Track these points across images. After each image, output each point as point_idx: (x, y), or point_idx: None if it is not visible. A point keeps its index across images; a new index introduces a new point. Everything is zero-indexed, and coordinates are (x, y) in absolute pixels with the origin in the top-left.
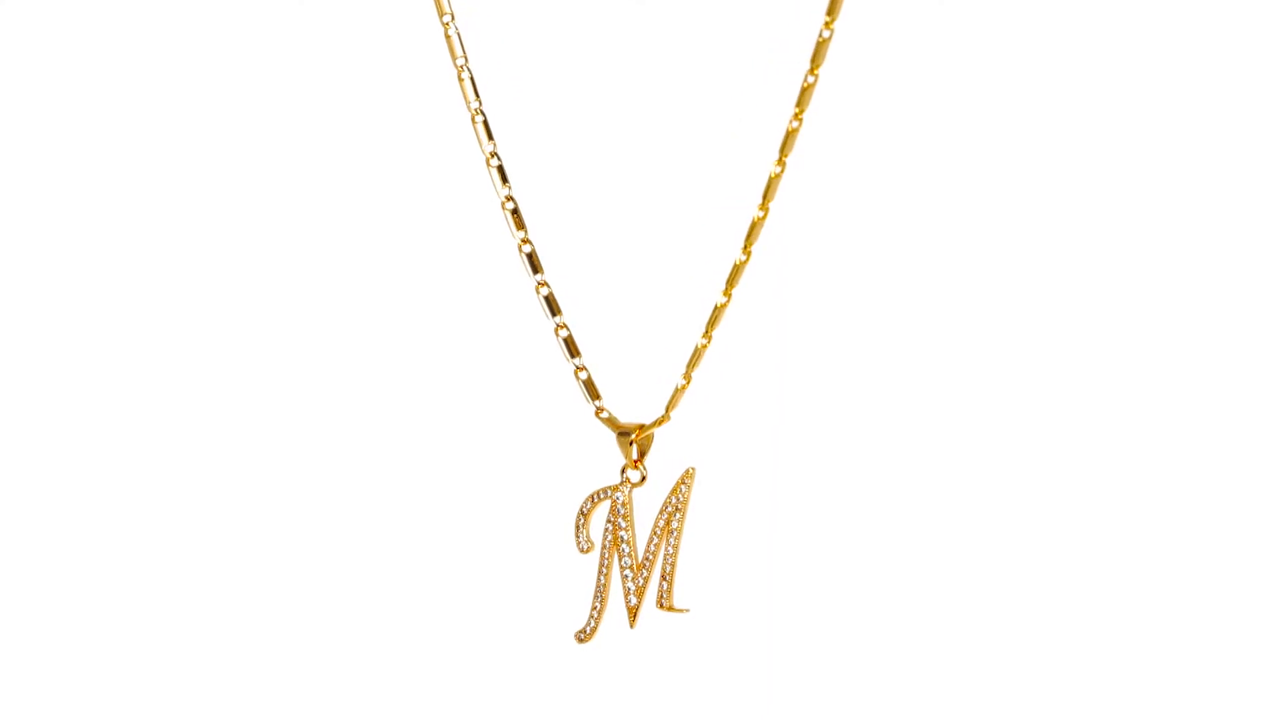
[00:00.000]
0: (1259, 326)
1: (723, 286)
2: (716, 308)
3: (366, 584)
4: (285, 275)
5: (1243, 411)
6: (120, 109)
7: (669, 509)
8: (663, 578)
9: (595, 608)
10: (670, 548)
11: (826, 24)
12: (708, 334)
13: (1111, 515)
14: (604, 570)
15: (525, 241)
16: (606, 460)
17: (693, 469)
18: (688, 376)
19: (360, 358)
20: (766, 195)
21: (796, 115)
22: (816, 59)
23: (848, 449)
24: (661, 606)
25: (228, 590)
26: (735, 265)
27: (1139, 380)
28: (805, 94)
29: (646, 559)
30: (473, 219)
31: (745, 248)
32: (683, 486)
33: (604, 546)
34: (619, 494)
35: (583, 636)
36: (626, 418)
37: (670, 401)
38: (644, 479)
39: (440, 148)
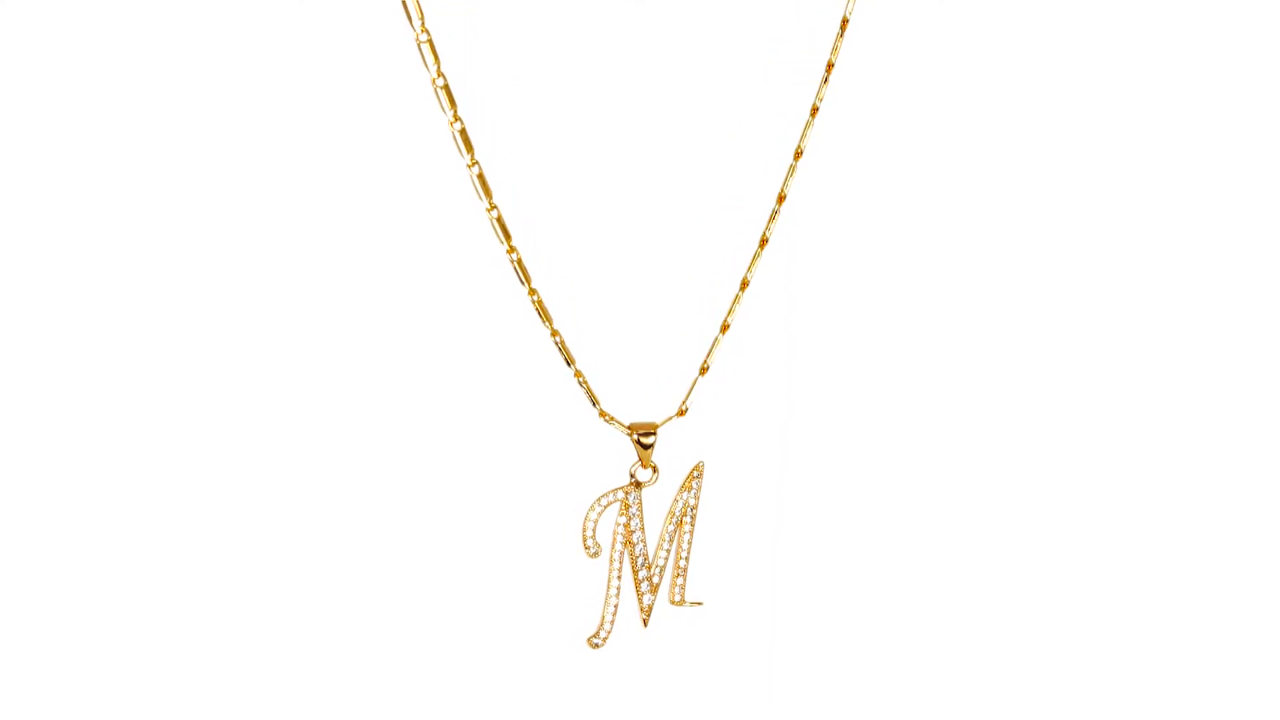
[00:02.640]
0: (1262, 328)
1: (739, 277)
2: (735, 299)
3: (373, 593)
4: (291, 287)
5: (1241, 411)
6: (107, 116)
7: (681, 504)
8: (679, 573)
9: (608, 611)
10: (684, 543)
11: (844, 20)
12: (724, 326)
13: (1117, 512)
14: (616, 572)
15: (512, 250)
16: (611, 462)
17: (701, 463)
18: (703, 369)
19: (363, 365)
20: (785, 185)
21: (814, 109)
22: (835, 53)
23: (859, 444)
24: (675, 602)
25: (235, 598)
26: (754, 254)
27: (1148, 381)
28: (823, 88)
29: (659, 556)
30: (478, 224)
31: (762, 236)
32: (694, 481)
33: (613, 549)
34: (631, 494)
35: (597, 642)
36: (629, 417)
37: (686, 396)
38: (655, 477)
39: (450, 153)
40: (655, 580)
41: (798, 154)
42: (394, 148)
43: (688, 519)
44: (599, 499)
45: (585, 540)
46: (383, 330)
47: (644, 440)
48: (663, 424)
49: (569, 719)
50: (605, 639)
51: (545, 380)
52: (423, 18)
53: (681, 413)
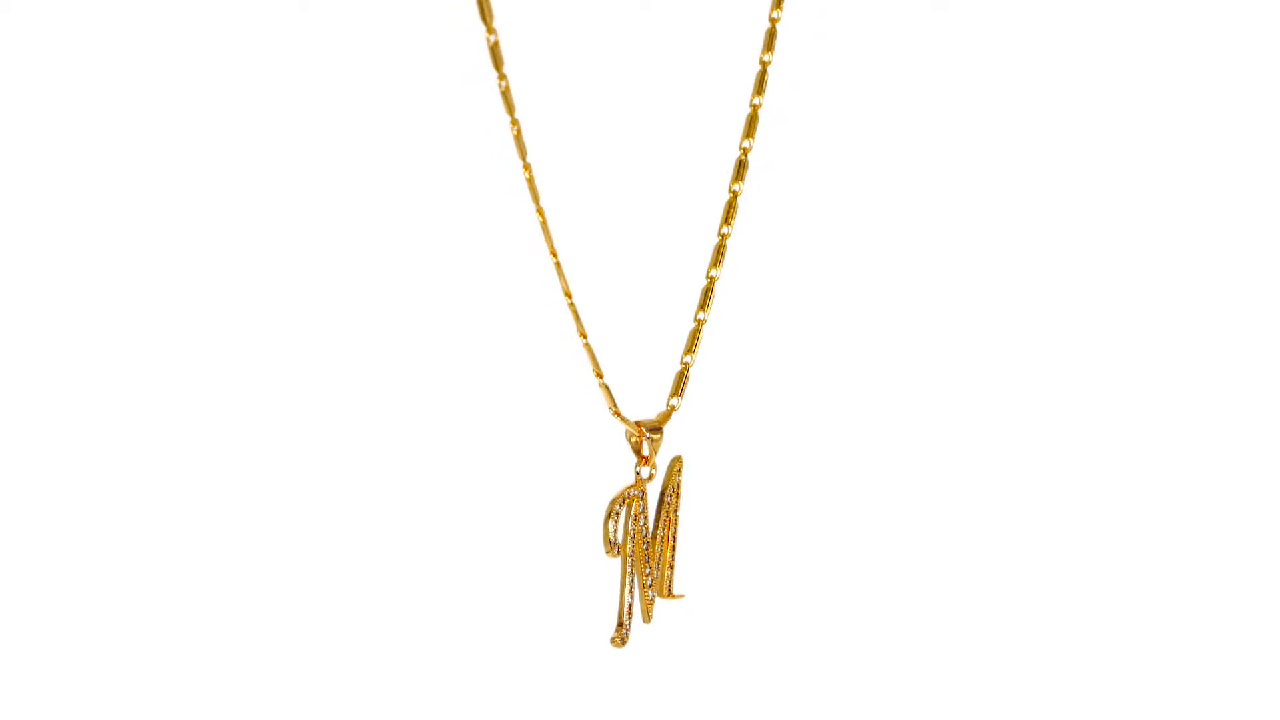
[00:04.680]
0: (1237, 321)
1: (717, 275)
2: (705, 291)
3: (382, 591)
4: (319, 286)
5: (1225, 405)
6: (149, 119)
7: (668, 500)
8: (669, 567)
9: (624, 609)
10: (672, 539)
11: (773, 20)
12: (699, 321)
13: (1094, 497)
14: (631, 570)
15: (553, 253)
16: (602, 457)
17: (680, 456)
18: (685, 365)
19: (364, 362)
20: (737, 176)
21: (755, 105)
22: (768, 46)
23: (844, 434)
24: (663, 595)
25: (264, 597)
26: (716, 247)
27: (1117, 371)
28: (760, 80)
29: (659, 552)
30: (479, 224)
31: (720, 228)
32: (676, 475)
33: (625, 548)
34: (639, 492)
35: (619, 641)
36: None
37: (675, 391)
38: (654, 474)
39: (456, 154)
40: (655, 576)
41: (745, 150)
42: (411, 143)
43: (674, 514)
44: (618, 499)
45: (609, 541)
46: (384, 324)
47: (652, 438)
48: (663, 421)
49: (579, 711)
50: (629, 636)
51: (540, 377)
52: (491, 16)
53: (673, 409)
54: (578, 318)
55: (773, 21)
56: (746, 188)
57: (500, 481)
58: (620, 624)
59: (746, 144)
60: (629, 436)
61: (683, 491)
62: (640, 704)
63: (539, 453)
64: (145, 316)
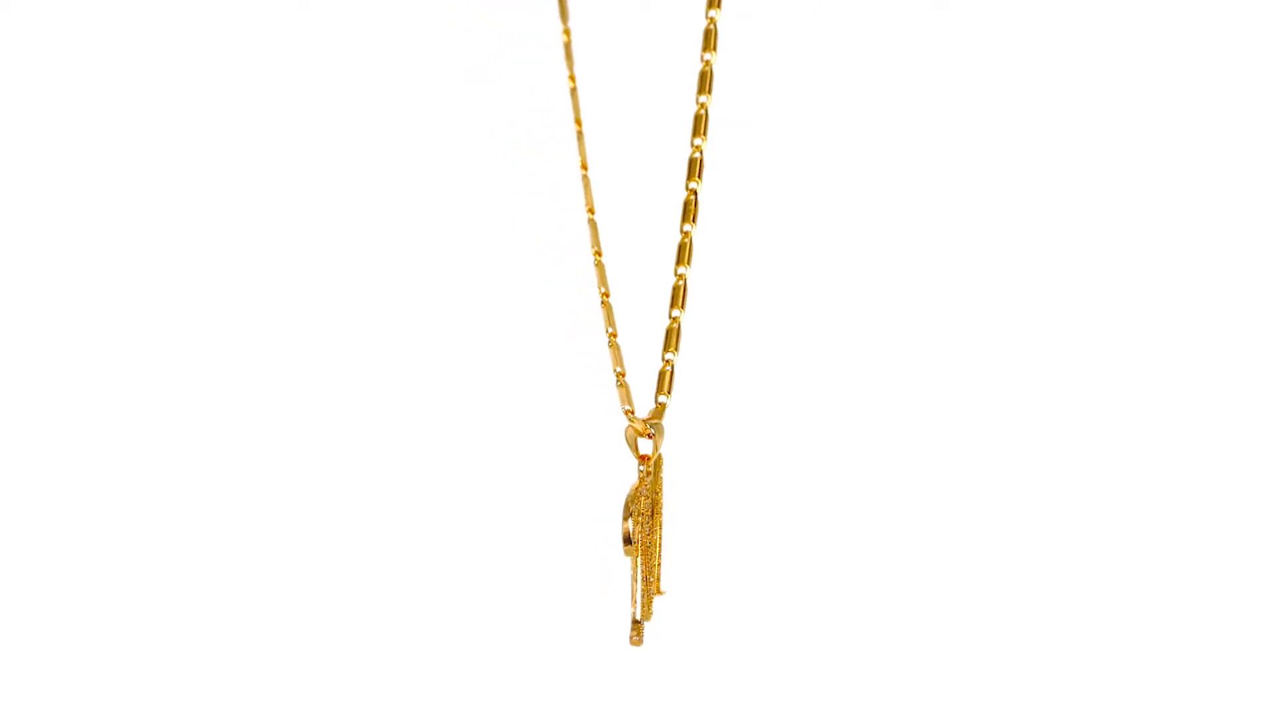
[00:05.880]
0: (1229, 316)
1: (673, 267)
2: (674, 288)
3: (373, 590)
4: (337, 282)
5: (1212, 396)
6: (185, 118)
7: (655, 499)
8: (657, 564)
9: (637, 608)
10: (659, 536)
11: (711, 20)
12: (674, 319)
13: (1087, 490)
14: (638, 569)
15: (598, 254)
16: (589, 456)
17: (661, 455)
18: (667, 362)
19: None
20: (691, 174)
21: (701, 105)
22: (707, 46)
23: (831, 430)
24: (654, 592)
25: (281, 595)
26: (680, 245)
27: (1097, 361)
28: (704, 80)
29: (656, 550)
30: (476, 225)
31: (682, 225)
32: (660, 475)
33: (636, 546)
34: (645, 490)
35: (638, 639)
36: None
37: (659, 388)
38: (650, 472)
39: (454, 155)
40: (657, 573)
41: (697, 149)
42: (422, 141)
43: (660, 512)
44: (634, 497)
45: (627, 539)
46: (382, 321)
47: (653, 434)
48: (658, 418)
49: (587, 713)
50: (643, 635)
51: (530, 377)
52: (567, 15)
53: (663, 406)
54: (610, 315)
55: (711, 21)
56: (718, 186)
57: (497, 482)
58: (636, 622)
59: (698, 141)
60: (627, 434)
61: (664, 490)
62: (645, 700)
63: (532, 452)
64: (180, 318)
